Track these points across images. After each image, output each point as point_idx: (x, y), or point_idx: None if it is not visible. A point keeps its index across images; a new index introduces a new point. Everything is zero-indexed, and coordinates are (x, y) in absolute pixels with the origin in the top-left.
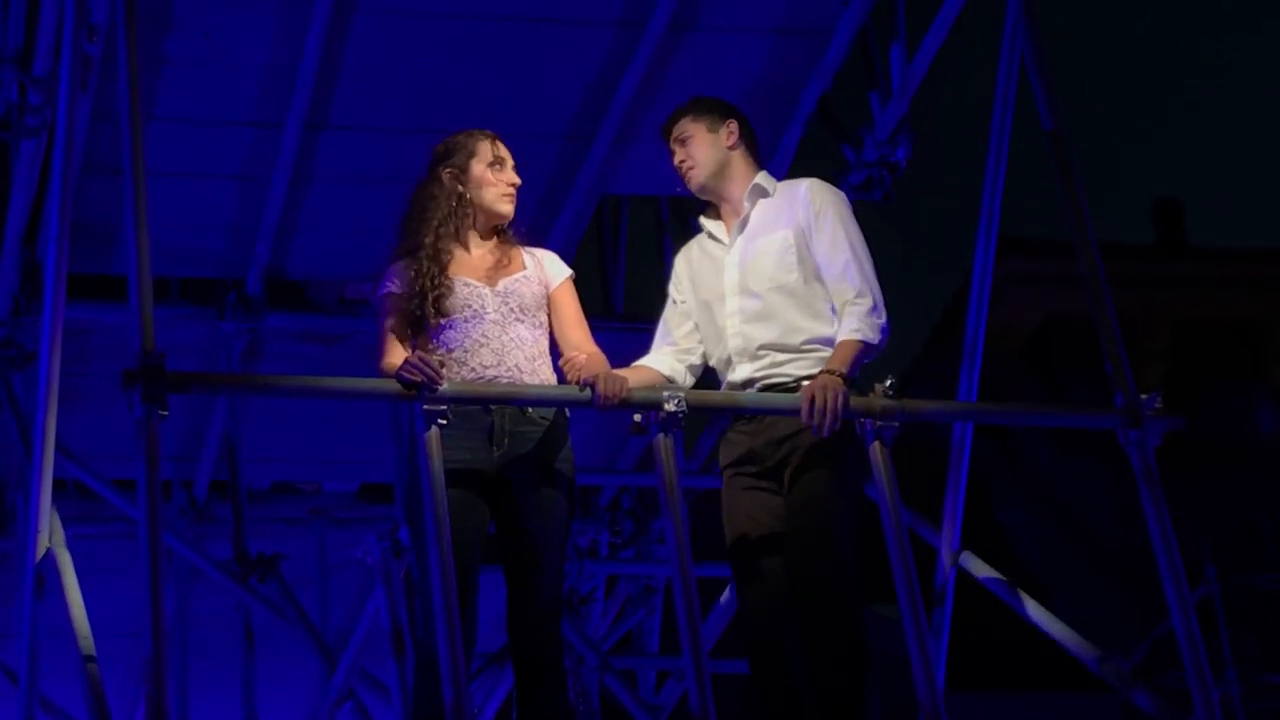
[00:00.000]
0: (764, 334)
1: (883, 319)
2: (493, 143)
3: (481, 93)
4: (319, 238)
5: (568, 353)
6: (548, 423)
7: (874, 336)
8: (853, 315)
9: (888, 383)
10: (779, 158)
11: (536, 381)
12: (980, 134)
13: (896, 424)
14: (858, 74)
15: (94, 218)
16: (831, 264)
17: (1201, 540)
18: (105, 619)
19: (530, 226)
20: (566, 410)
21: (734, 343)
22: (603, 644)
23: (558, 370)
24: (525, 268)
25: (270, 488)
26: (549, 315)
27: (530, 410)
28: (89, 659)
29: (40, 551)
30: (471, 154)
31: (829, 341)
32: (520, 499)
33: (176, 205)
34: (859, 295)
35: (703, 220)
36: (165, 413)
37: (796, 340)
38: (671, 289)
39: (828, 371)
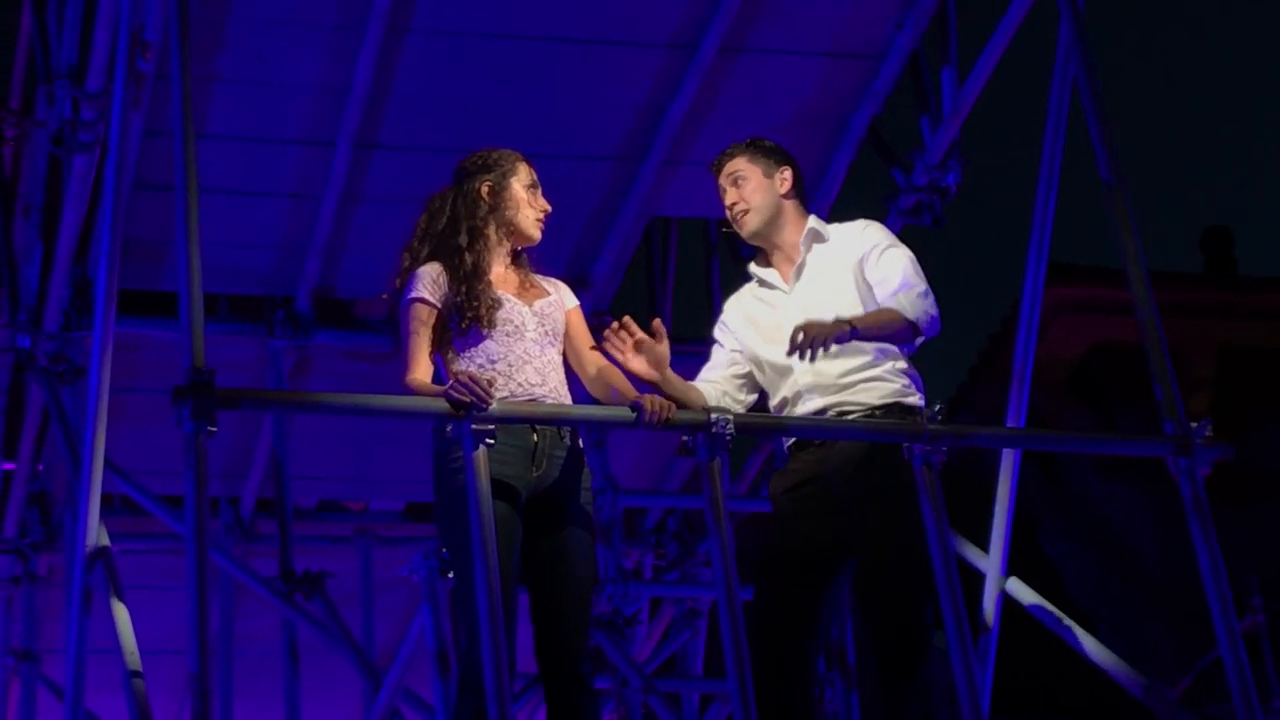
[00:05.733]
0: (837, 367)
1: (932, 308)
2: (529, 166)
3: (532, 114)
4: (368, 256)
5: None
6: (571, 447)
7: (914, 314)
8: (902, 296)
9: (935, 408)
10: (828, 182)
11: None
12: (1031, 159)
13: (944, 449)
14: (908, 98)
15: (145, 234)
16: (887, 278)
17: (1249, 569)
18: (151, 635)
19: (578, 247)
20: (580, 439)
21: (805, 379)
22: (646, 666)
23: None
24: (549, 293)
25: (316, 505)
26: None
27: (565, 435)
28: (135, 674)
29: (87, 566)
30: (512, 172)
31: (896, 370)
32: (554, 522)
33: (227, 223)
34: (910, 286)
35: (753, 268)
36: (214, 429)
37: (867, 368)
38: (719, 334)
39: (838, 319)
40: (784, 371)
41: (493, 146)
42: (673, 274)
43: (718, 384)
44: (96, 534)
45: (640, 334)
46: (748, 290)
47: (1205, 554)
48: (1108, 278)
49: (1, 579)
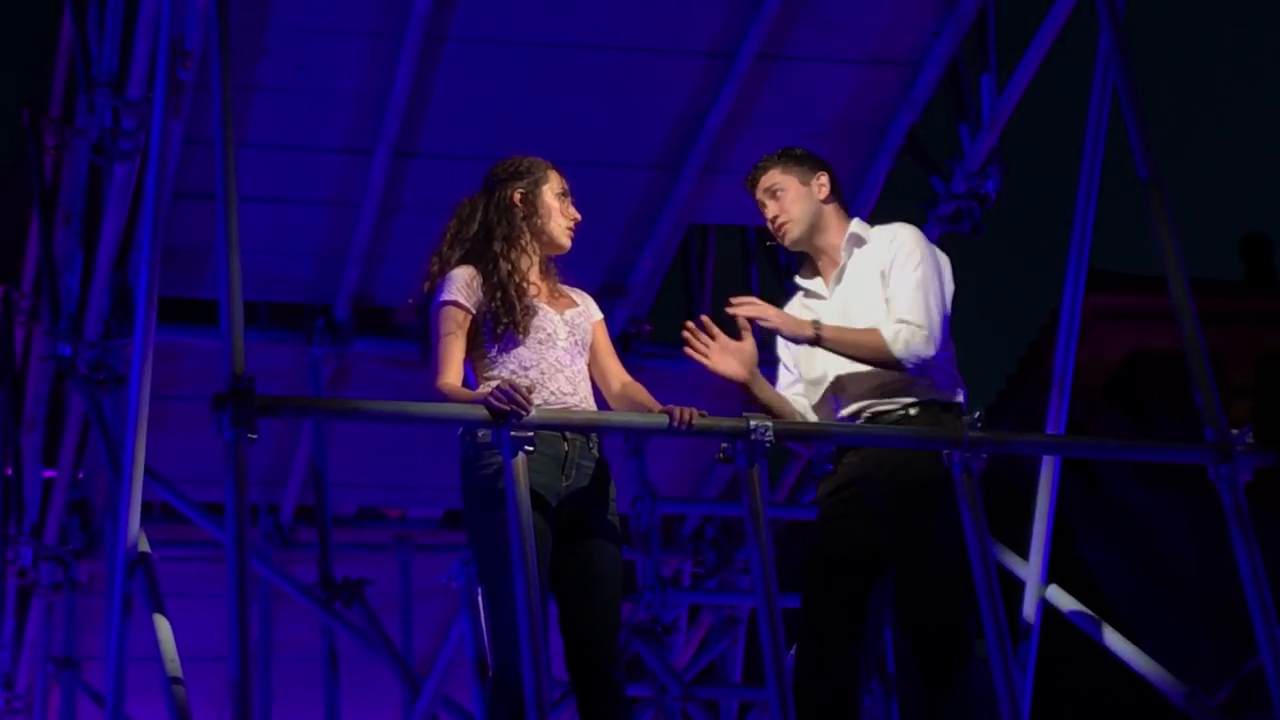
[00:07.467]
0: (868, 366)
1: (925, 348)
2: (559, 174)
3: (571, 122)
4: (407, 264)
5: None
6: (598, 458)
7: (901, 350)
8: (903, 330)
9: (975, 415)
10: (867, 189)
11: None
12: (1070, 166)
13: (984, 456)
14: (947, 105)
15: (185, 242)
16: (901, 296)
17: None
18: (191, 642)
19: (616, 255)
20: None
21: (839, 382)
22: (685, 674)
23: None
24: (577, 303)
25: (355, 513)
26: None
27: (593, 446)
28: (175, 681)
29: (128, 573)
30: (544, 180)
31: (933, 369)
32: (581, 533)
33: (267, 231)
34: (918, 322)
35: (799, 280)
36: (254, 436)
37: (900, 371)
38: (780, 352)
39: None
40: (819, 381)
41: (523, 154)
42: (710, 282)
43: (795, 403)
44: (137, 541)
45: (720, 333)
46: (796, 301)
47: (1246, 561)
48: (1147, 285)
49: (42, 586)
